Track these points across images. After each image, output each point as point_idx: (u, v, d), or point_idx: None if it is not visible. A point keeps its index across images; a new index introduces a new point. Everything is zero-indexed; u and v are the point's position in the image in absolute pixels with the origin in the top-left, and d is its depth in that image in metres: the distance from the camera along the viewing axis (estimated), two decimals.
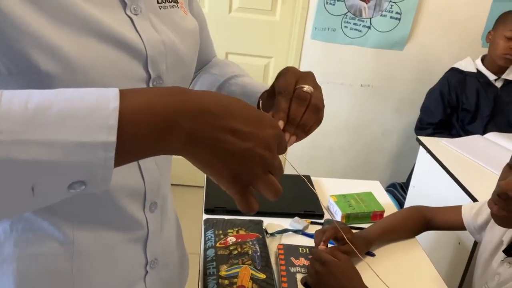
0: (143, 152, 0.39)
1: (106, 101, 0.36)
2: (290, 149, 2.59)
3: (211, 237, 1.05)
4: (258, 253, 0.99)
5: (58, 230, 0.55)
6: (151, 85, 0.54)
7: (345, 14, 2.29)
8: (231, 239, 1.03)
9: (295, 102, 0.57)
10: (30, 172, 0.34)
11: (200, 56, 0.77)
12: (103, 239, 0.58)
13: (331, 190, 1.34)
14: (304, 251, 1.04)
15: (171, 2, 0.59)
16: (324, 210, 1.23)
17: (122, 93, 0.37)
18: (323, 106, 0.60)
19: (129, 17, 0.52)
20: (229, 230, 1.06)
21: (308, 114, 0.57)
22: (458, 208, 1.16)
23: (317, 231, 1.03)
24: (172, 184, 0.69)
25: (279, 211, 1.19)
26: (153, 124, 0.37)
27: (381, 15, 2.30)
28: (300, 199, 1.26)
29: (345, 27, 2.32)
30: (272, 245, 1.08)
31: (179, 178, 2.62)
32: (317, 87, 0.60)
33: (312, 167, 2.62)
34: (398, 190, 2.20)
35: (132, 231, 0.61)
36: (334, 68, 2.42)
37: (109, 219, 0.58)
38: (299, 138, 0.58)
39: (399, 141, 2.58)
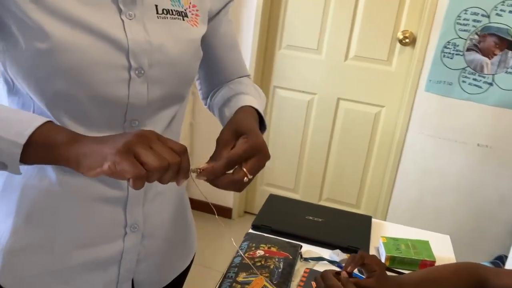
0: (42, 161, 0.60)
1: (32, 121, 0.58)
2: (394, 201, 2.49)
3: (244, 247, 1.11)
4: (280, 270, 1.02)
5: (53, 171, 0.70)
6: (132, 73, 0.68)
7: (463, 68, 2.19)
8: (259, 252, 1.08)
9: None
10: None
11: (225, 71, 0.89)
12: (87, 188, 0.71)
13: (389, 234, 1.29)
14: None
15: (174, 15, 0.73)
16: (371, 250, 1.19)
17: (47, 123, 0.59)
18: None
19: (122, 20, 0.67)
20: (261, 245, 1.11)
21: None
22: None
23: (350, 255, 1.01)
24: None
25: (322, 240, 1.20)
26: (48, 149, 0.58)
27: (506, 72, 2.14)
28: (349, 234, 1.25)
29: (463, 82, 2.21)
30: (302, 269, 1.09)
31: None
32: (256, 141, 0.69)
33: (415, 223, 2.46)
34: (504, 263, 1.95)
35: (112, 189, 0.73)
36: (448, 123, 2.30)
37: None
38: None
39: None
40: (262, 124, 0.81)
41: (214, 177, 0.65)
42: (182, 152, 0.59)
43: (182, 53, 0.73)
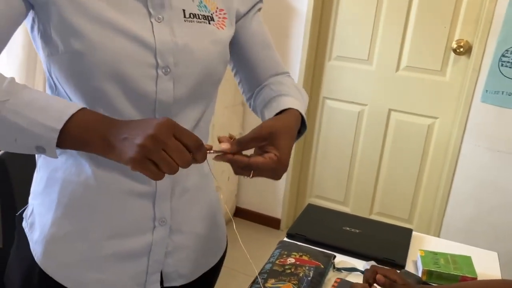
0: (77, 147, 0.65)
1: (68, 108, 0.63)
2: (448, 217, 2.37)
3: (276, 254, 1.12)
4: (309, 278, 1.02)
5: (89, 167, 0.76)
6: (159, 71, 0.73)
7: None
8: (290, 260, 1.08)
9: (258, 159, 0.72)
10: (14, 130, 0.63)
11: (259, 69, 0.92)
12: (119, 183, 0.77)
13: (431, 248, 1.24)
14: None
15: (200, 19, 0.78)
16: (409, 264, 1.16)
17: (82, 109, 0.64)
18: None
19: (151, 22, 0.73)
20: (293, 253, 1.11)
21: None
22: None
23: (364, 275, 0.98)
24: None
25: (357, 251, 1.18)
26: (84, 132, 0.63)
27: None
28: (386, 246, 1.22)
29: None
30: (334, 279, 1.08)
31: None
32: (285, 152, 0.73)
33: (472, 241, 2.34)
34: None
35: (142, 184, 0.78)
36: (507, 135, 2.18)
37: (127, 169, 0.75)
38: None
39: None
40: (303, 125, 0.84)
41: (228, 161, 0.71)
42: (197, 148, 0.63)
43: (206, 53, 0.78)
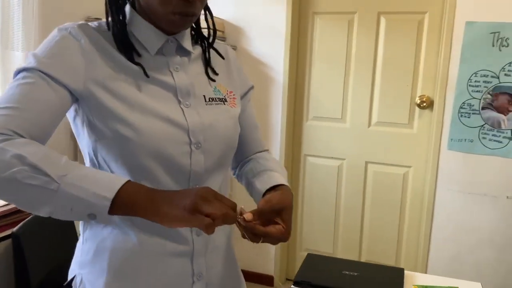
0: (126, 212, 0.74)
1: (118, 180, 0.74)
2: (432, 259, 2.52)
3: None
4: None
5: (134, 235, 0.87)
6: (192, 147, 0.88)
7: (482, 126, 2.33)
8: None
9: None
10: (70, 200, 0.72)
11: (248, 146, 1.09)
12: (161, 246, 0.88)
13: (422, 284, 1.38)
14: None
15: (217, 101, 0.95)
16: None
17: (128, 182, 0.74)
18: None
19: (182, 108, 0.89)
20: None
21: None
22: None
23: None
24: None
25: None
26: (132, 200, 0.73)
27: None
28: (384, 285, 1.35)
29: (484, 138, 2.34)
30: None
31: None
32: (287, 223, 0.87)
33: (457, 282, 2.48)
34: None
35: (181, 244, 0.90)
36: (475, 178, 2.40)
37: (167, 233, 0.88)
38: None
39: None
40: None
41: (251, 228, 0.82)
42: (233, 208, 0.76)
43: (226, 129, 0.95)
